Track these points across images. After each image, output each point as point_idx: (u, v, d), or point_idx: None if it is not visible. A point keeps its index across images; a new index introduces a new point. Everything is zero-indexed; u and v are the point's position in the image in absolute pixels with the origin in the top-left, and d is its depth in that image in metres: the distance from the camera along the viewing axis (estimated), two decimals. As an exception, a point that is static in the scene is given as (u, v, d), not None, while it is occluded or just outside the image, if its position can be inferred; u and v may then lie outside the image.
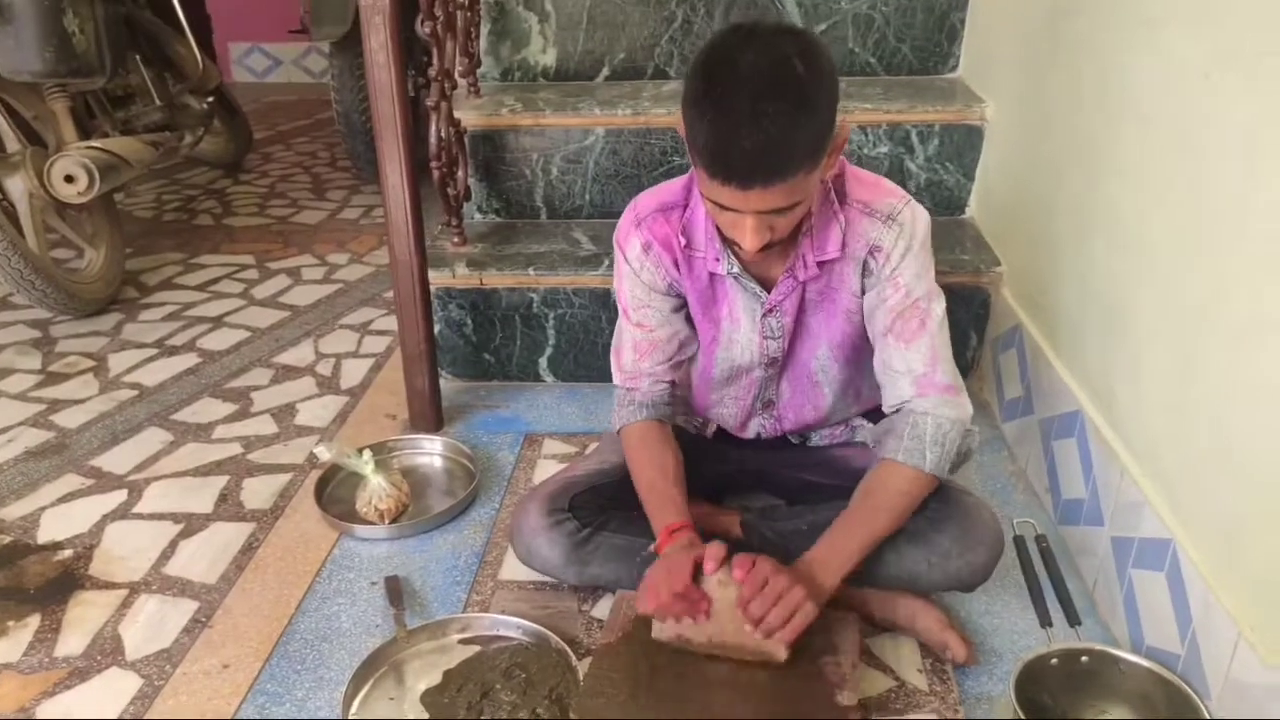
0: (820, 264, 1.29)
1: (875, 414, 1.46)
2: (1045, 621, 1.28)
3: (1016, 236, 1.90)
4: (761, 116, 1.04)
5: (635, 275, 1.36)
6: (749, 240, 1.14)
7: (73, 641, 1.40)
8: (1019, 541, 1.42)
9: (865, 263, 1.30)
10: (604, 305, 2.03)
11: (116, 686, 1.31)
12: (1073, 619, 1.28)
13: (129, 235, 3.02)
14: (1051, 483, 1.62)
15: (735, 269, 1.30)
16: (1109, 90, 1.45)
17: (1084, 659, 1.20)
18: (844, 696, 1.19)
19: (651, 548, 1.30)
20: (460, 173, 2.05)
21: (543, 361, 2.11)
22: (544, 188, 2.20)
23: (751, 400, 1.46)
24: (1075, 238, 1.58)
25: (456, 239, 2.09)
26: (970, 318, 2.00)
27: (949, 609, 1.39)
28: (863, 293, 1.32)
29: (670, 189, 1.36)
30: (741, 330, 1.37)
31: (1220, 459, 1.13)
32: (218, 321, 2.51)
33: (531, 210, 2.23)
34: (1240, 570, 1.07)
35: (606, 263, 2.01)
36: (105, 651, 1.38)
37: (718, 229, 1.26)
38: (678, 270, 1.35)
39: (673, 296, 1.38)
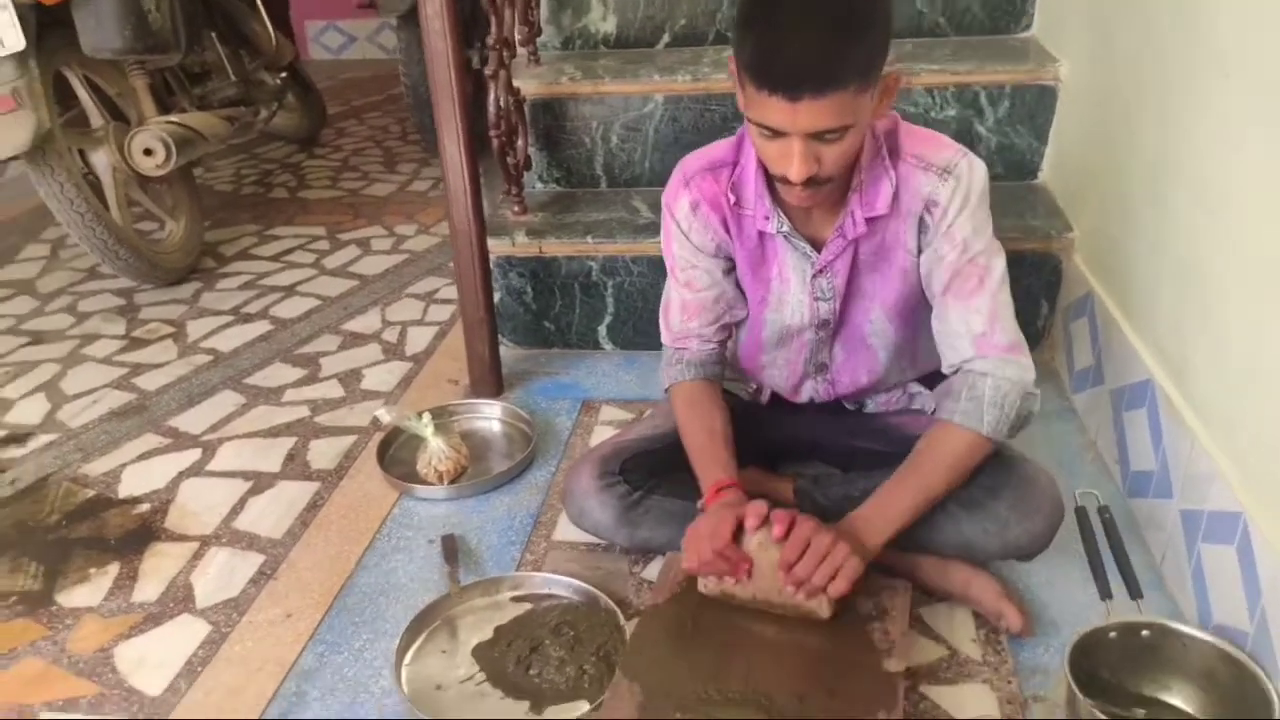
0: (870, 221, 1.26)
1: (932, 379, 1.42)
2: (1105, 594, 1.24)
3: (1090, 201, 1.83)
4: (811, 22, 1.04)
5: (684, 236, 1.35)
6: (796, 167, 1.11)
7: (148, 589, 1.46)
8: (1081, 513, 1.37)
9: (921, 219, 1.26)
10: (662, 273, 1.99)
11: (187, 631, 1.37)
12: (1134, 592, 1.24)
13: (208, 208, 3.12)
14: (1121, 454, 1.56)
15: (785, 227, 1.28)
16: (1187, 38, 1.38)
17: (1144, 633, 1.16)
18: (891, 663, 1.17)
19: (700, 505, 1.30)
20: (520, 141, 2.06)
21: (602, 329, 2.12)
22: (604, 156, 2.20)
23: (804, 363, 1.44)
24: (1150, 199, 1.52)
25: (516, 208, 2.11)
26: (1041, 285, 1.94)
27: (1006, 579, 1.36)
28: (919, 251, 1.29)
29: (719, 148, 1.34)
30: (791, 291, 1.35)
31: (1295, 426, 1.07)
32: (290, 290, 2.59)
33: (591, 179, 2.23)
34: (1314, 542, 1.03)
35: (665, 230, 2.00)
36: (178, 599, 1.44)
37: (767, 184, 1.24)
38: (726, 230, 1.33)
39: (721, 258, 1.37)
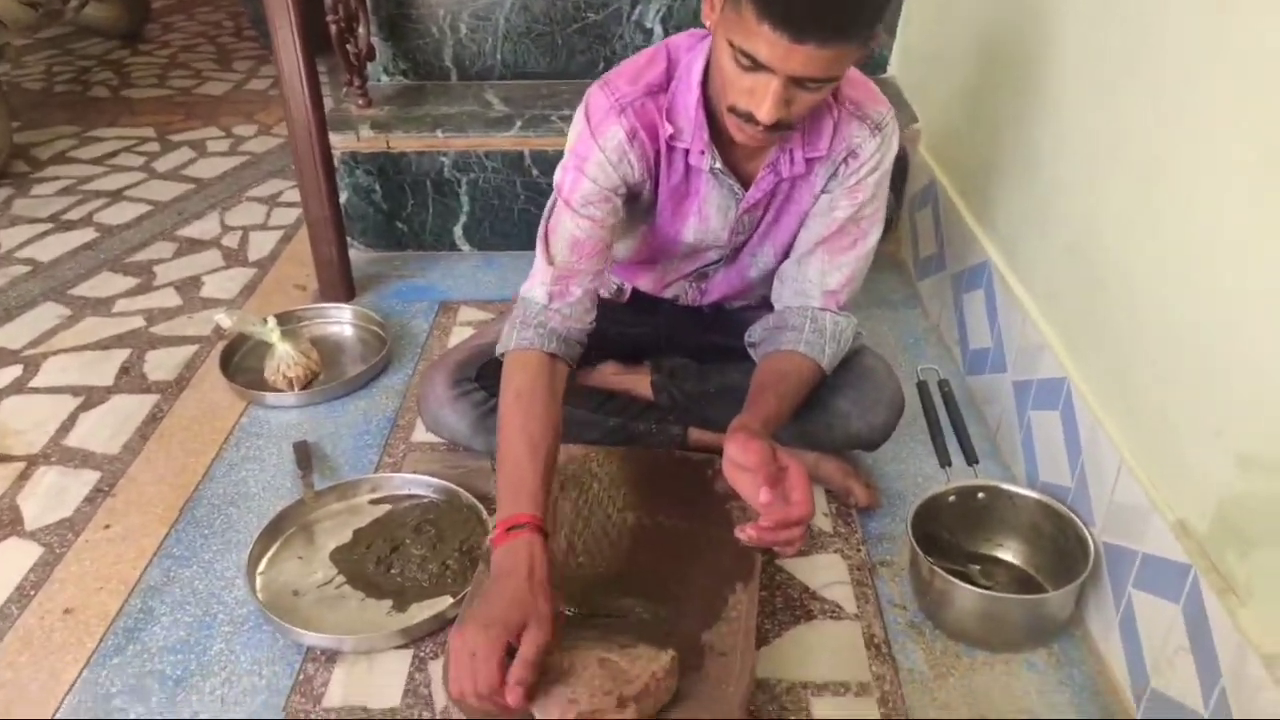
0: (809, 161, 1.20)
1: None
2: (945, 462, 1.31)
3: (935, 93, 1.87)
4: None
5: (610, 167, 1.18)
6: (768, 108, 1.00)
7: (-32, 514, 1.36)
8: (922, 387, 1.44)
9: (838, 166, 1.22)
10: (517, 169, 1.97)
11: (16, 555, 1.28)
12: (971, 458, 1.32)
13: (16, 107, 2.84)
14: (960, 335, 1.64)
15: (717, 164, 1.20)
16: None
17: (980, 495, 1.24)
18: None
19: (488, 541, 1.11)
20: (361, 29, 1.94)
21: (457, 229, 2.05)
22: (453, 46, 2.10)
23: (690, 271, 1.41)
24: (990, 90, 1.56)
25: (361, 101, 2.00)
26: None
27: (852, 458, 1.42)
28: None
29: (647, 69, 1.19)
30: (710, 227, 1.29)
31: (1113, 294, 1.14)
32: (116, 195, 2.39)
33: (440, 71, 2.13)
34: (1125, 401, 1.10)
35: (519, 124, 1.94)
36: (3, 523, 1.34)
37: (706, 116, 1.16)
38: (656, 163, 1.23)
39: (635, 191, 1.25)
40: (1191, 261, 0.98)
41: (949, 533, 1.24)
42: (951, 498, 1.24)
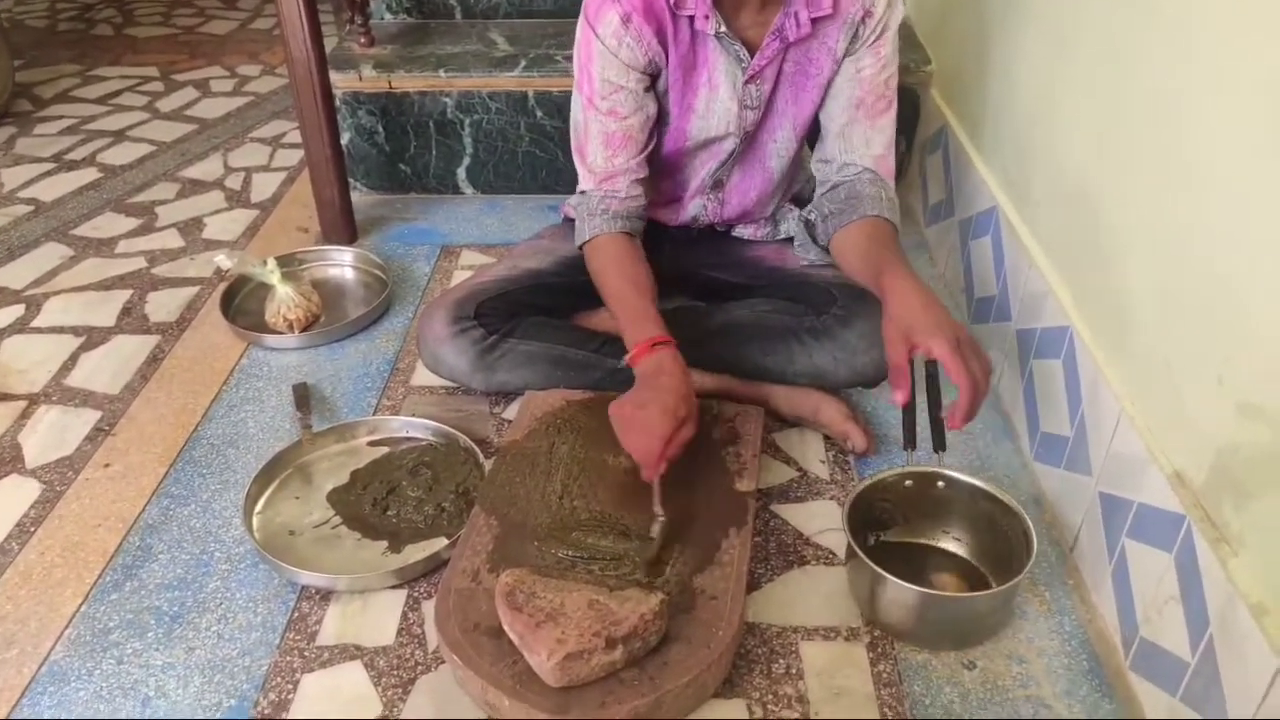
0: (815, 21, 1.22)
1: (798, 201, 1.45)
2: (910, 444, 1.16)
3: (949, 36, 1.82)
4: None
5: (612, 55, 1.23)
6: None
7: (-31, 451, 1.37)
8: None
9: (856, 28, 1.25)
10: (522, 110, 1.93)
11: (17, 492, 1.30)
12: (939, 445, 1.15)
13: (18, 45, 2.81)
14: (967, 283, 1.61)
15: (722, 28, 1.22)
16: None
17: (907, 483, 1.16)
18: (742, 484, 1.21)
19: (625, 360, 1.20)
20: (362, -36, 1.90)
21: (460, 172, 2.03)
22: (456, -17, 2.06)
23: (705, 176, 1.41)
24: (1002, 32, 1.52)
25: (363, 39, 1.96)
26: (900, 121, 1.92)
27: (853, 403, 1.41)
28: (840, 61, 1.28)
29: None
30: (720, 99, 1.29)
31: (1119, 241, 1.12)
32: (119, 135, 2.38)
33: (444, 9, 2.09)
34: (1127, 350, 1.09)
35: (523, 64, 1.91)
36: (3, 460, 1.35)
37: None
38: (660, 39, 1.24)
39: (649, 74, 1.27)
40: (1199, 207, 0.95)
41: (904, 518, 1.18)
42: (908, 482, 1.17)
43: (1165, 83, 1.03)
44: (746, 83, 1.27)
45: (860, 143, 1.30)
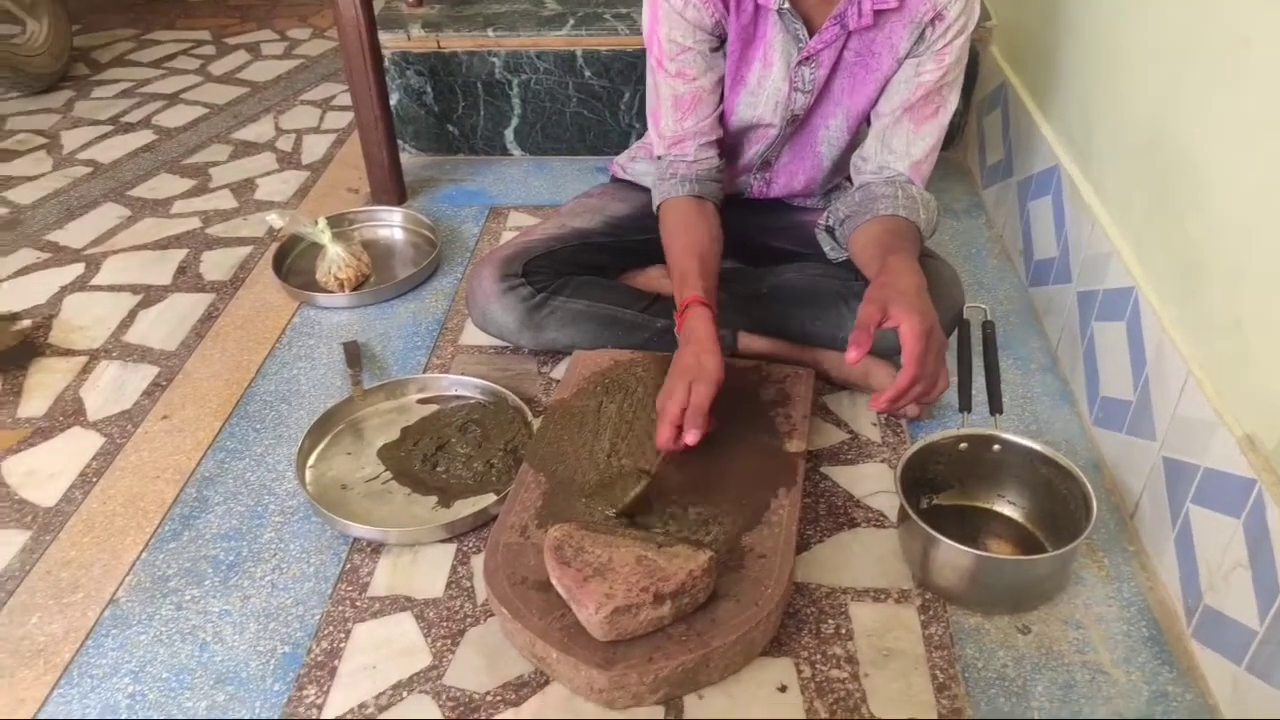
0: (877, 13, 1.18)
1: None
2: (965, 406, 1.16)
3: (1010, -14, 1.76)
4: None
5: (678, 14, 1.22)
6: None
7: (35, 404, 1.40)
8: (963, 325, 1.26)
9: (924, 29, 1.20)
10: (570, 70, 1.92)
11: (79, 444, 1.33)
12: (995, 407, 1.15)
13: (76, 11, 2.84)
14: (1025, 245, 1.57)
15: (785, 4, 1.19)
16: None
17: (994, 447, 1.13)
18: (792, 444, 1.20)
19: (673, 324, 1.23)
20: (411, -78, 1.89)
21: (509, 133, 2.02)
22: (505, -59, 2.03)
23: (753, 156, 1.39)
24: (1068, -23, 1.46)
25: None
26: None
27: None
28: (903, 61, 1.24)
29: None
30: (773, 77, 1.27)
31: (1188, 198, 1.07)
32: (174, 98, 2.40)
33: (493, -33, 2.07)
34: (1195, 311, 1.05)
35: (571, 22, 1.89)
36: (67, 413, 1.39)
37: None
38: (724, 4, 1.22)
39: (716, 36, 1.26)
40: (1271, 163, 0.91)
41: (958, 481, 1.16)
42: (963, 445, 1.14)
43: (1242, 28, 0.98)
44: (800, 64, 1.24)
45: (900, 146, 1.26)
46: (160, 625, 1.06)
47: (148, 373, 1.46)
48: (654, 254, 1.40)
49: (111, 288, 1.67)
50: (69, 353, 1.51)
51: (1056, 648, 1.01)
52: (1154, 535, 1.09)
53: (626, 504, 1.09)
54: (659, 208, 1.33)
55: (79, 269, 1.72)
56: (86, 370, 1.47)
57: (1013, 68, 1.71)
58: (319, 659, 1.01)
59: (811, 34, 1.22)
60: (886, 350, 1.33)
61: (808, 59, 1.24)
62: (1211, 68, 1.04)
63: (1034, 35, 1.61)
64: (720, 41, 1.27)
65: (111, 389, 1.43)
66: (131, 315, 1.60)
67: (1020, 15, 1.69)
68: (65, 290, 1.66)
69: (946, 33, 1.19)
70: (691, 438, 1.09)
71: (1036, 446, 1.11)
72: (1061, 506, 1.09)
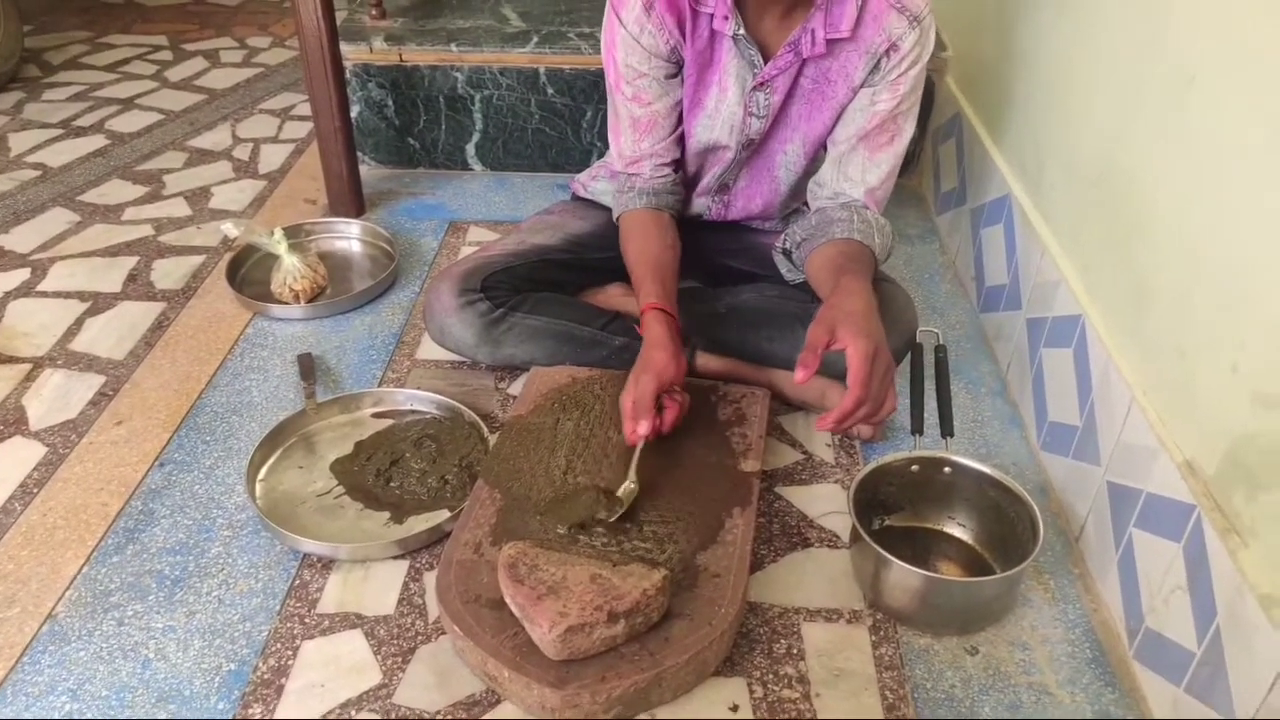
0: (830, 42, 1.20)
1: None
2: (918, 429, 1.18)
3: (965, 21, 1.81)
4: None
5: (634, 40, 1.24)
6: None
7: (-27, 412, 1.37)
8: (916, 349, 1.29)
9: (879, 59, 1.22)
10: (533, 88, 1.92)
11: (20, 453, 1.29)
12: (946, 430, 1.17)
13: (27, 11, 2.79)
14: (977, 271, 1.61)
15: (740, 31, 1.20)
16: None
17: (913, 468, 1.16)
18: (747, 464, 1.21)
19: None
20: (376, -65, 1.89)
21: (470, 148, 2.02)
22: (470, -43, 2.04)
23: (710, 179, 1.41)
24: (1020, 18, 1.50)
25: (374, 11, 1.95)
26: (914, 108, 1.93)
27: (862, 388, 1.40)
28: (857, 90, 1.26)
29: None
30: (729, 102, 1.28)
31: (1136, 229, 1.11)
32: (128, 103, 2.37)
33: (457, -18, 2.07)
34: (1140, 338, 1.08)
35: (535, 40, 1.89)
36: (9, 421, 1.35)
37: None
38: (680, 30, 1.24)
39: (672, 62, 1.28)
40: (1216, 194, 0.94)
41: (910, 502, 1.18)
42: (914, 467, 1.16)
43: (1189, 65, 1.01)
44: (755, 89, 1.26)
45: (856, 173, 1.28)
46: (101, 641, 1.03)
47: (94, 382, 1.43)
48: (613, 272, 1.42)
49: (58, 294, 1.63)
50: (11, 359, 1.47)
51: (1004, 669, 1.02)
52: (1098, 558, 1.12)
53: (616, 517, 1.10)
54: (618, 219, 1.37)
55: (24, 274, 1.68)
56: (30, 378, 1.44)
57: (967, 98, 1.75)
58: (265, 677, 0.99)
59: (767, 60, 1.24)
60: (839, 372, 1.35)
61: (762, 84, 1.25)
62: (1159, 102, 1.08)
63: (988, 67, 1.66)
64: (677, 67, 1.29)
65: (56, 398, 1.40)
66: (79, 323, 1.56)
67: (975, 47, 1.74)
68: (9, 296, 1.62)
69: (901, 63, 1.22)
70: (643, 428, 1.13)
71: (986, 470, 1.13)
72: (1010, 529, 1.11)
